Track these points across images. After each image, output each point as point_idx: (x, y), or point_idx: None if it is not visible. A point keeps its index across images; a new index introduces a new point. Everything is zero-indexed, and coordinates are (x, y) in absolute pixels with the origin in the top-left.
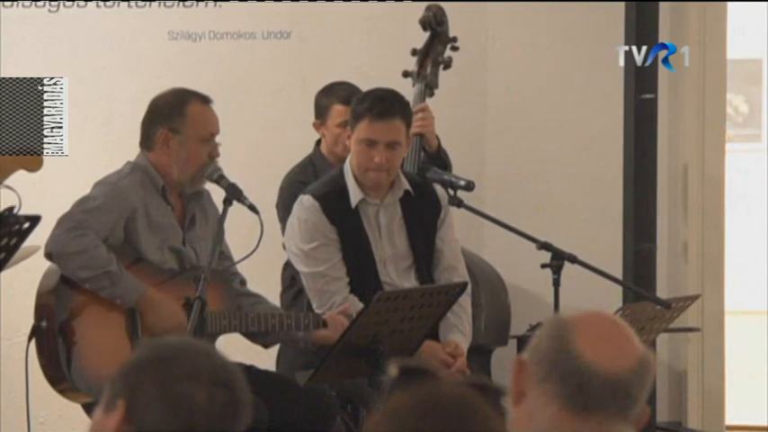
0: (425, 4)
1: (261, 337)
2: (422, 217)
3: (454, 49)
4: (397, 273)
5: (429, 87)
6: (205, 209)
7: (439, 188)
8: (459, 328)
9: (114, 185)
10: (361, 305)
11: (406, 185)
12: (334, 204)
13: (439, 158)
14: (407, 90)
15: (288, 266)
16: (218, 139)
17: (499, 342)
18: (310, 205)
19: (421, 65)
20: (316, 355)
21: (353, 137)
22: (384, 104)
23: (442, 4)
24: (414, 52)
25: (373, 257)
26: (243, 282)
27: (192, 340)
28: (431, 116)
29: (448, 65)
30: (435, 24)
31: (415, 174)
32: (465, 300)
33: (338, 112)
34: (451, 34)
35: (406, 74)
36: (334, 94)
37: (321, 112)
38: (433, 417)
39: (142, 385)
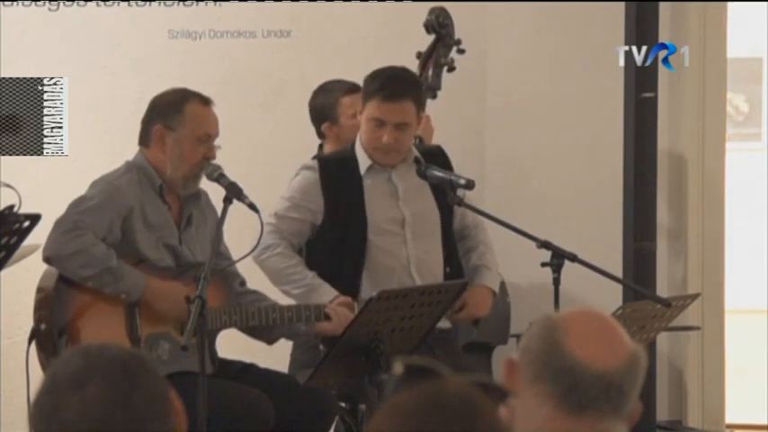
0: (428, 4)
1: (263, 334)
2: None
3: (460, 51)
4: (414, 237)
5: (431, 90)
6: (203, 210)
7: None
8: (485, 266)
9: (110, 184)
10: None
11: (416, 153)
12: (335, 169)
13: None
14: None
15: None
16: (217, 138)
17: (499, 339)
18: (312, 165)
19: (423, 67)
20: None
21: (364, 114)
22: (394, 86)
23: (444, 4)
24: (418, 55)
25: (365, 226)
26: (243, 283)
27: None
28: (430, 127)
29: (452, 67)
30: (439, 27)
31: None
32: (484, 236)
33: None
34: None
35: None
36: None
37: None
38: (437, 416)
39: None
